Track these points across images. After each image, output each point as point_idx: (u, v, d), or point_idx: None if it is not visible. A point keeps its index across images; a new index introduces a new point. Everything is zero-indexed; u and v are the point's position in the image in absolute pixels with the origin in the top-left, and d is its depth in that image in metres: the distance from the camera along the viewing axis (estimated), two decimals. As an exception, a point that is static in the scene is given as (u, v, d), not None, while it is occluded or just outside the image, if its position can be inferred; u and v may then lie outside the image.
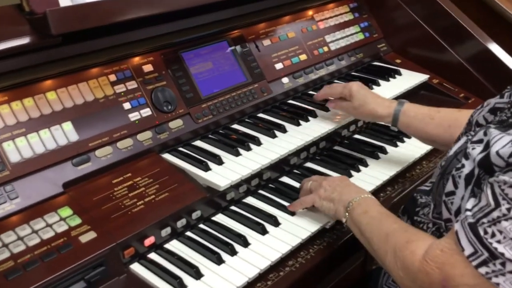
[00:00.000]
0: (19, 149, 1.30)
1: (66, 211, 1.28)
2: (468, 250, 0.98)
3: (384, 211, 1.30)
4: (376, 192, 1.62)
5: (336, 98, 1.76)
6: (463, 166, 1.07)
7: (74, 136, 1.39)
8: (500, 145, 1.01)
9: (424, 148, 1.82)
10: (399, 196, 1.64)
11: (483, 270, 0.96)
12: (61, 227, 1.23)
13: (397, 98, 2.00)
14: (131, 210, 1.32)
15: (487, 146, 1.03)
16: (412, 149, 1.82)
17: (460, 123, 1.54)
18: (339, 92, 1.74)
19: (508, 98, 1.25)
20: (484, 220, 0.96)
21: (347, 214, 1.34)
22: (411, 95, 2.07)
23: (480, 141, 1.06)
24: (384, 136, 1.89)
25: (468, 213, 1.01)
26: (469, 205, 1.02)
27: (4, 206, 1.24)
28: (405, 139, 1.87)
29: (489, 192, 0.97)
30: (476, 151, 1.05)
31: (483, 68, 2.14)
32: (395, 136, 1.87)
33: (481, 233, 0.96)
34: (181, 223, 1.38)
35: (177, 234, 1.38)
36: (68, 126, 1.39)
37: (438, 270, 1.04)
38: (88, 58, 1.47)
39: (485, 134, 1.06)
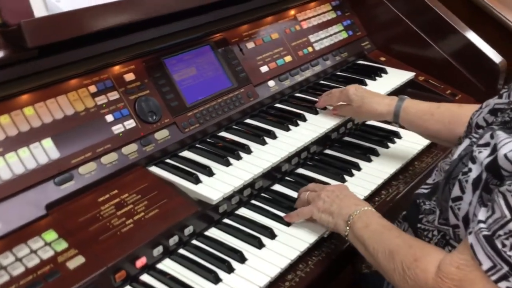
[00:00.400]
0: (-3, 171, 1.22)
1: (50, 235, 1.19)
2: (486, 264, 0.94)
3: (385, 223, 1.26)
4: (371, 197, 1.58)
5: (336, 104, 1.74)
6: (470, 170, 1.04)
7: (55, 154, 1.31)
8: (508, 148, 0.98)
9: (415, 148, 1.79)
10: (394, 199, 1.61)
11: (503, 284, 0.92)
12: (47, 253, 1.15)
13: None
14: (120, 230, 1.24)
15: (495, 149, 1.00)
16: (403, 149, 1.78)
17: (460, 119, 1.51)
18: (337, 98, 1.73)
19: (507, 99, 1.22)
20: (501, 232, 0.92)
21: (347, 228, 1.29)
22: (398, 93, 2.02)
23: (486, 144, 1.02)
24: (374, 137, 1.85)
25: (482, 225, 0.96)
26: (481, 216, 0.98)
27: (-17, 234, 1.16)
28: (395, 139, 1.83)
29: (502, 202, 0.93)
30: (483, 155, 1.01)
31: (468, 62, 2.12)
32: (385, 136, 1.84)
33: (499, 246, 0.92)
34: (173, 240, 1.31)
35: (169, 253, 1.31)
36: (48, 143, 1.31)
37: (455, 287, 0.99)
38: (66, 70, 1.39)
39: (491, 137, 1.02)
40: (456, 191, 1.06)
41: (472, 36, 2.11)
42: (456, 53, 2.14)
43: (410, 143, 1.81)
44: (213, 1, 1.59)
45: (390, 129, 1.88)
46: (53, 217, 1.25)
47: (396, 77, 2.08)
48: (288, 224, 1.42)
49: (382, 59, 2.23)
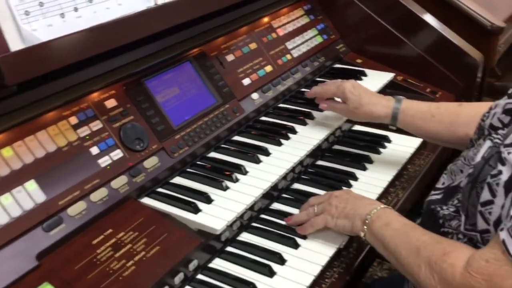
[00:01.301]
0: (-22, 223, 1.09)
1: (46, 289, 1.08)
2: None
3: (408, 222, 1.23)
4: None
5: (328, 98, 1.68)
6: (500, 172, 1.00)
7: (40, 197, 1.19)
8: None
9: (407, 151, 1.75)
10: (395, 208, 1.56)
11: None
12: (46, 311, 1.04)
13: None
14: (122, 275, 1.14)
15: None
16: (395, 154, 1.74)
17: (462, 119, 1.49)
18: (332, 93, 1.65)
19: None
20: None
21: (365, 227, 1.26)
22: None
23: None
24: (363, 143, 1.80)
25: None
26: None
27: (-30, 297, 1.03)
28: (385, 144, 1.79)
29: None
30: None
31: (444, 58, 2.10)
32: (375, 141, 1.79)
33: None
34: (178, 278, 1.21)
35: (176, 292, 1.22)
36: (32, 185, 1.18)
37: (485, 282, 0.98)
38: (45, 103, 1.26)
39: None
40: (485, 195, 1.03)
41: (446, 31, 2.09)
42: (431, 50, 2.11)
43: (401, 147, 1.77)
44: (191, 19, 1.49)
45: (379, 133, 1.84)
46: (46, 268, 1.13)
47: (377, 79, 2.04)
48: (296, 247, 1.34)
49: (359, 61, 2.19)
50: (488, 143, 1.10)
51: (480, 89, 2.72)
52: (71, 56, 1.21)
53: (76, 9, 1.19)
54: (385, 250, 1.22)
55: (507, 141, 1.02)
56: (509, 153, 1.00)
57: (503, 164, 1.01)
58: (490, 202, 1.03)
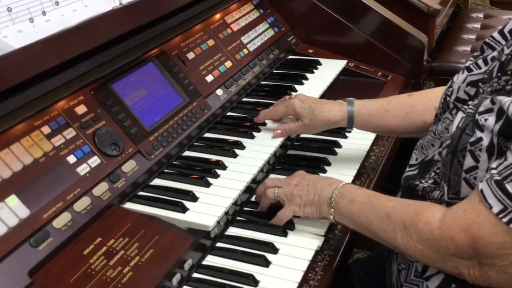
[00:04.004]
0: (-38, 246, 1.02)
1: (45, 306, 1.03)
2: (497, 207, 0.97)
3: (371, 193, 1.27)
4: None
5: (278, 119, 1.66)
6: (480, 139, 1.05)
7: (24, 211, 1.13)
8: None
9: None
10: (370, 188, 1.61)
11: None
12: (49, 329, 0.99)
13: (329, 88, 1.98)
14: (121, 282, 1.11)
15: (502, 112, 1.02)
16: (362, 136, 1.78)
17: (416, 108, 1.54)
18: (282, 113, 1.62)
19: (478, 69, 1.26)
20: None
21: (332, 210, 1.29)
22: (334, 84, 2.05)
23: (489, 110, 1.05)
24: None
25: (494, 171, 1.00)
26: (494, 164, 1.01)
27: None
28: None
29: None
30: (490, 122, 1.04)
31: (390, 41, 2.17)
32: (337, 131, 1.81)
33: (510, 190, 0.95)
34: (176, 279, 1.19)
35: (175, 294, 1.19)
36: (13, 200, 1.12)
37: (463, 232, 1.02)
38: (15, 116, 1.20)
39: (492, 102, 1.04)
40: (469, 162, 1.07)
41: (390, 15, 2.17)
42: (377, 34, 2.18)
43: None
44: (156, 18, 1.47)
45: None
46: (40, 284, 1.08)
47: (331, 66, 2.09)
48: (285, 234, 1.35)
49: (310, 51, 2.23)
50: (460, 114, 1.14)
51: (429, 70, 2.86)
52: (41, 64, 1.17)
53: (44, 13, 1.14)
54: (357, 226, 1.25)
55: (481, 109, 1.07)
56: (485, 119, 1.05)
57: (482, 130, 1.05)
58: (475, 168, 1.07)
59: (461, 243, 1.03)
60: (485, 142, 1.05)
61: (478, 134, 1.06)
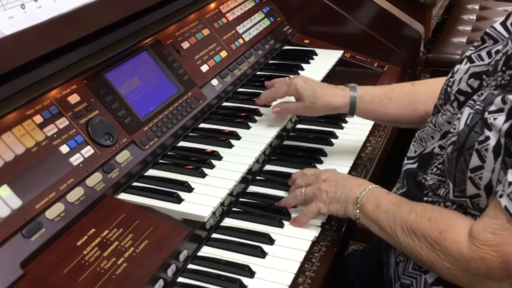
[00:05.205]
0: (-48, 237, 1.00)
1: (37, 298, 1.01)
2: None
3: (394, 199, 1.24)
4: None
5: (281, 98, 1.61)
6: (487, 138, 1.02)
7: (16, 202, 1.11)
8: None
9: (368, 123, 1.77)
10: (366, 179, 1.59)
11: None
12: (41, 321, 0.97)
13: (325, 78, 1.96)
14: (115, 273, 1.09)
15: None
16: (358, 127, 1.77)
17: (419, 97, 1.51)
18: (284, 92, 1.58)
19: (480, 60, 1.24)
20: None
21: (357, 211, 1.26)
22: (330, 74, 2.03)
23: (500, 110, 1.01)
24: (322, 119, 1.79)
25: None
26: (511, 177, 0.98)
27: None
28: (346, 118, 1.81)
29: None
30: (499, 121, 1.00)
31: (386, 31, 2.15)
32: (336, 117, 1.81)
33: None
34: (171, 270, 1.17)
35: (170, 285, 1.18)
36: (5, 191, 1.10)
37: (495, 253, 0.99)
38: (6, 104, 1.18)
39: (504, 102, 1.01)
40: (475, 161, 1.04)
41: (386, 5, 2.16)
42: (374, 24, 2.16)
43: (360, 119, 1.77)
44: (142, 8, 1.45)
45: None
46: (33, 276, 1.06)
47: (328, 57, 2.07)
48: (281, 225, 1.34)
49: (306, 41, 2.21)
50: (467, 110, 1.11)
51: (425, 62, 2.85)
52: (32, 51, 1.15)
53: (35, -1, 1.11)
54: (382, 233, 1.22)
55: (492, 108, 1.03)
56: (495, 118, 1.01)
57: (490, 129, 1.02)
58: (480, 168, 1.04)
59: (492, 264, 1.00)
60: (492, 142, 1.01)
61: (487, 133, 1.03)
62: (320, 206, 1.31)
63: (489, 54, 1.20)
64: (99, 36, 1.42)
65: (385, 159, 1.76)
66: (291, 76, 1.89)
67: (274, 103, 1.64)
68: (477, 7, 3.64)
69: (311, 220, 1.34)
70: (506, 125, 0.99)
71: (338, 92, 1.54)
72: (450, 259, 1.06)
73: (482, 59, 1.23)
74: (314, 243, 1.32)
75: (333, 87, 1.57)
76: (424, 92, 1.51)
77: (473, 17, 3.50)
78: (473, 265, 1.02)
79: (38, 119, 1.24)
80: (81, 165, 1.26)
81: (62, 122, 1.28)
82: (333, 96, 1.53)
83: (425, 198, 1.22)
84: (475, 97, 1.13)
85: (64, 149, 1.25)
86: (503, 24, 1.24)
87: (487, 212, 1.03)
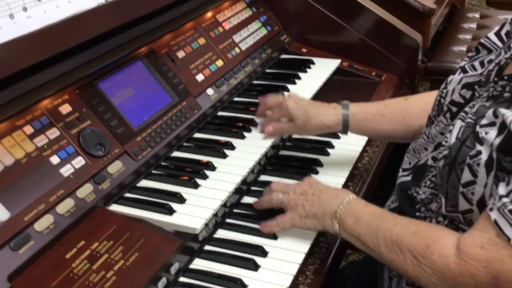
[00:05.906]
0: None
1: (24, 313, 1.00)
2: None
3: (375, 211, 1.20)
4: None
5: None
6: (479, 152, 0.99)
7: (4, 214, 1.09)
8: None
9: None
10: (362, 190, 1.57)
11: None
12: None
13: (322, 87, 1.95)
14: (104, 286, 1.07)
15: (503, 127, 0.97)
16: (355, 137, 1.74)
17: (412, 113, 1.49)
18: (278, 114, 1.55)
19: (473, 71, 1.23)
20: None
21: (337, 226, 1.22)
22: (327, 83, 2.02)
23: (492, 124, 0.99)
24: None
25: (505, 199, 0.94)
26: (502, 191, 0.95)
27: None
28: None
29: None
30: (491, 135, 0.98)
31: (384, 40, 2.14)
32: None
33: None
34: (162, 283, 1.15)
35: (161, 299, 1.16)
36: (-7, 202, 1.09)
37: (484, 269, 0.96)
38: (-3, 115, 1.17)
39: (495, 115, 0.99)
40: (467, 176, 1.02)
41: (385, 14, 2.14)
42: (372, 33, 2.15)
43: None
44: (144, 14, 1.44)
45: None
46: (20, 289, 1.04)
47: (325, 66, 2.06)
48: (275, 237, 1.32)
49: (304, 50, 2.20)
50: (459, 123, 1.09)
51: (424, 71, 2.83)
52: (22, 61, 1.14)
53: (25, 9, 1.10)
54: (364, 246, 1.18)
55: (484, 122, 1.01)
56: (486, 133, 0.99)
57: (482, 144, 0.99)
58: (472, 183, 1.02)
59: (481, 280, 0.97)
60: (484, 156, 0.99)
61: (478, 147, 1.00)
62: (295, 218, 1.28)
63: (482, 64, 1.19)
64: (92, 46, 1.41)
65: (382, 170, 1.74)
66: (288, 85, 1.89)
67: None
68: (477, 15, 3.63)
69: (305, 232, 1.32)
70: (498, 140, 0.97)
71: (330, 111, 1.52)
72: (437, 274, 1.02)
73: (475, 69, 1.22)
74: (308, 255, 1.30)
75: (325, 106, 1.54)
76: (416, 107, 1.49)
77: (474, 25, 3.48)
78: (461, 280, 0.99)
79: (29, 129, 1.23)
80: (71, 176, 1.25)
81: (53, 133, 1.27)
82: (325, 115, 1.51)
83: (417, 214, 1.20)
84: (467, 108, 1.11)
85: (55, 160, 1.24)
86: (497, 34, 1.22)
87: (477, 225, 1.00)
